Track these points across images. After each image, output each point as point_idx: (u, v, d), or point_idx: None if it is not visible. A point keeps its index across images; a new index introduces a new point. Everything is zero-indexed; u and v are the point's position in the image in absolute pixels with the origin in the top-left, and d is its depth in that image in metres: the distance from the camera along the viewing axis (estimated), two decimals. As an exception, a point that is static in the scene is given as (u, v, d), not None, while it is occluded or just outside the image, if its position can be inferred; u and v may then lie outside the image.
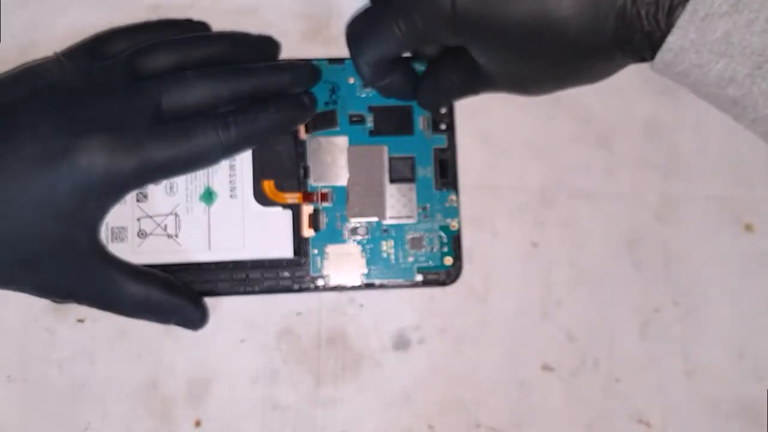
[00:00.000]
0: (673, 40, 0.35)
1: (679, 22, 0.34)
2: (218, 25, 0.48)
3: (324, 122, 0.46)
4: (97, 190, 0.40)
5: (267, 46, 0.46)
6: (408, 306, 0.47)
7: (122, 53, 0.42)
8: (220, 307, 0.47)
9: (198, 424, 0.46)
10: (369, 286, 0.46)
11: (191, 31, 0.46)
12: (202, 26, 0.47)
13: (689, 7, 0.34)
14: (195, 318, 0.44)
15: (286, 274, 0.46)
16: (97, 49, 0.43)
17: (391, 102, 0.47)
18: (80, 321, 0.46)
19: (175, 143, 0.40)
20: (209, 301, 0.46)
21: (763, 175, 0.48)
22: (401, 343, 0.47)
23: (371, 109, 0.47)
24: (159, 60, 0.42)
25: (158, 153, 0.40)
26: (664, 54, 0.36)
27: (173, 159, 0.41)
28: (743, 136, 0.47)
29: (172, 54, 0.43)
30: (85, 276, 0.41)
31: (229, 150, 0.42)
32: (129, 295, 0.42)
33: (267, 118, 0.43)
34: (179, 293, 0.44)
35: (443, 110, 0.47)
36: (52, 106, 0.40)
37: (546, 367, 0.47)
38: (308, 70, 0.46)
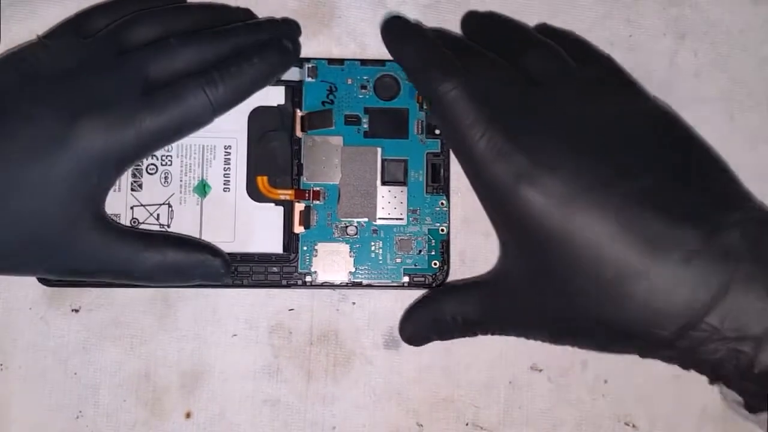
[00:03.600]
0: None
1: None
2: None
3: (320, 121, 0.47)
4: (96, 168, 0.40)
5: (247, 17, 0.47)
6: (400, 305, 0.47)
7: (105, 29, 0.43)
8: (213, 302, 0.47)
9: (188, 415, 0.47)
10: (356, 284, 0.46)
11: (172, 2, 0.46)
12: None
13: None
14: (217, 268, 0.43)
15: (275, 269, 0.46)
16: (79, 27, 0.43)
17: (387, 104, 0.47)
18: (75, 310, 0.47)
19: (166, 109, 0.40)
20: (199, 292, 0.47)
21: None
22: (392, 342, 0.48)
23: (367, 110, 0.47)
24: (142, 32, 0.42)
25: (152, 122, 0.40)
26: None
27: (167, 125, 0.41)
28: (732, 141, 0.48)
29: (154, 25, 0.43)
30: (95, 252, 0.41)
31: (220, 107, 0.42)
32: (145, 263, 0.42)
33: (252, 68, 0.43)
34: (194, 248, 0.43)
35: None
36: (42, 90, 0.40)
37: (534, 368, 0.48)
38: (288, 24, 0.47)
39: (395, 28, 0.45)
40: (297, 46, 0.46)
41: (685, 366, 0.37)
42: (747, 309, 0.34)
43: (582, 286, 0.36)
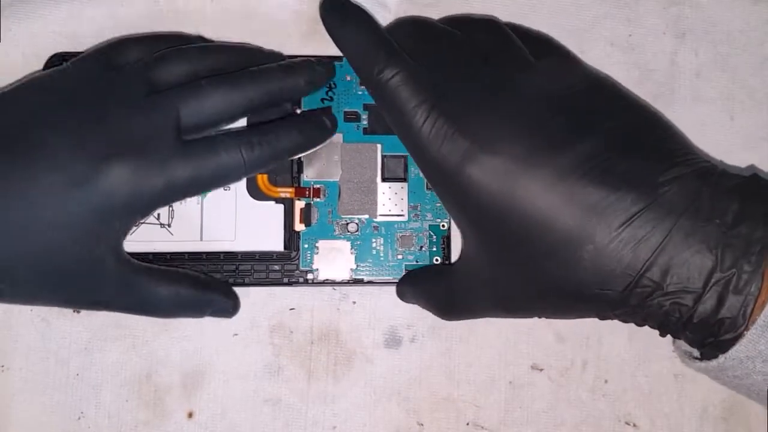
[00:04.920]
0: (740, 349, 0.35)
1: (749, 335, 0.34)
2: (218, 23, 0.48)
3: (319, 119, 0.46)
4: (121, 212, 0.39)
5: (278, 59, 0.46)
6: (401, 305, 0.47)
7: (134, 63, 0.42)
8: (215, 301, 0.47)
9: (190, 415, 0.47)
10: (358, 282, 0.46)
11: (201, 41, 0.46)
12: (210, 41, 0.47)
13: (760, 320, 0.34)
14: (227, 307, 0.44)
15: (276, 267, 0.46)
16: (107, 59, 0.42)
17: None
18: (76, 312, 0.47)
19: (201, 163, 0.40)
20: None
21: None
22: (393, 341, 0.48)
23: (366, 107, 0.47)
24: (173, 70, 0.42)
25: (183, 173, 0.39)
26: (726, 361, 0.36)
27: (198, 178, 0.40)
28: (732, 140, 0.48)
29: (183, 64, 0.42)
30: (114, 289, 0.41)
31: (252, 169, 0.42)
32: (161, 299, 0.42)
33: (290, 139, 0.43)
34: (208, 287, 0.44)
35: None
36: (68, 124, 0.39)
37: (535, 367, 0.48)
38: (322, 68, 0.45)
39: (334, 10, 0.44)
40: (335, 123, 0.46)
41: (638, 322, 0.38)
42: (686, 263, 0.35)
43: (532, 257, 0.38)
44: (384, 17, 0.48)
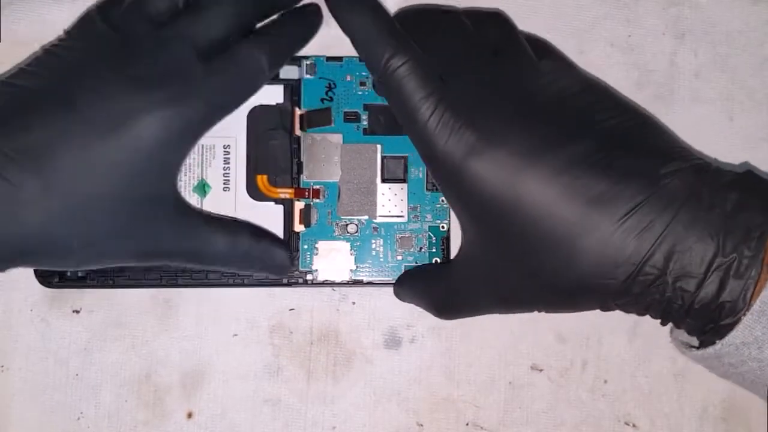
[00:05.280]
0: (736, 335, 0.35)
1: (745, 320, 0.35)
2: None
3: (319, 119, 0.47)
4: (172, 143, 0.39)
5: None
6: (400, 305, 0.47)
7: (129, 7, 0.41)
8: (214, 302, 0.47)
9: (190, 415, 0.47)
10: (357, 282, 0.46)
11: None
12: None
13: (756, 306, 0.35)
14: (282, 261, 0.44)
15: (277, 267, 0.46)
16: (103, 15, 0.41)
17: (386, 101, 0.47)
18: (76, 312, 0.47)
19: (227, 74, 0.41)
20: (200, 292, 0.47)
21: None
22: (393, 341, 0.48)
23: (366, 107, 0.47)
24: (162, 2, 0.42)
25: (216, 88, 0.40)
26: (722, 348, 0.36)
27: (230, 89, 0.41)
28: (731, 141, 0.48)
29: None
30: (176, 232, 0.41)
31: (271, 69, 0.43)
32: (216, 244, 0.42)
33: (293, 33, 0.45)
34: (264, 237, 0.44)
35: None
36: (104, 75, 0.39)
37: (535, 368, 0.48)
38: None
39: None
40: (320, 16, 0.46)
41: (640, 312, 0.39)
42: (689, 250, 0.36)
43: (535, 250, 0.38)
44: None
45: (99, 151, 0.38)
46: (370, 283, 0.46)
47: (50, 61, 0.40)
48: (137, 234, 0.40)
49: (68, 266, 0.41)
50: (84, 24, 0.42)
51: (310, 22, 0.46)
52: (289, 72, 0.47)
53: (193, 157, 0.46)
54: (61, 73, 0.39)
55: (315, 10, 0.46)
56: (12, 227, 0.37)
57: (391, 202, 0.46)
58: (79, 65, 0.39)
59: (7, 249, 0.37)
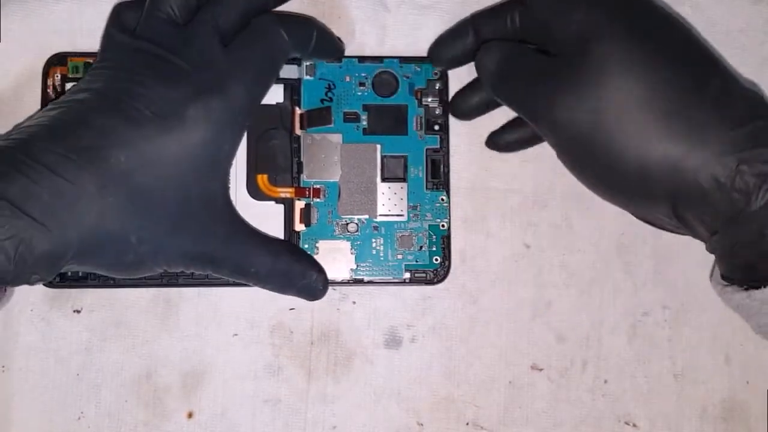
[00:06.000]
0: None
1: None
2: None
3: (319, 119, 0.47)
4: (218, 132, 0.41)
5: None
6: (401, 305, 0.47)
7: (142, 17, 0.42)
8: (214, 301, 0.47)
9: (190, 415, 0.47)
10: (357, 282, 0.46)
11: None
12: None
13: None
14: (318, 284, 0.44)
15: (277, 267, 0.46)
16: (120, 27, 0.42)
17: (386, 101, 0.47)
18: (76, 311, 0.47)
19: (255, 54, 0.42)
20: (200, 292, 0.47)
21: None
22: (393, 341, 0.48)
23: (366, 107, 0.47)
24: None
25: (245, 66, 0.42)
26: None
27: (261, 68, 0.42)
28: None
29: None
30: (226, 236, 0.42)
31: (293, 40, 0.43)
32: (261, 260, 0.42)
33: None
34: (304, 259, 0.44)
35: (437, 111, 0.47)
36: (137, 78, 0.40)
37: (535, 368, 0.48)
38: None
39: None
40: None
41: (706, 226, 0.39)
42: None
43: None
44: (383, 17, 0.48)
45: (148, 148, 0.39)
46: (370, 282, 0.47)
47: (93, 78, 0.41)
48: (191, 231, 0.41)
49: (125, 266, 0.41)
50: (107, 42, 0.42)
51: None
52: (289, 71, 0.47)
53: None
54: (105, 84, 0.40)
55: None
56: (71, 224, 0.38)
57: (391, 201, 0.46)
58: (116, 76, 0.40)
59: (65, 248, 0.38)
